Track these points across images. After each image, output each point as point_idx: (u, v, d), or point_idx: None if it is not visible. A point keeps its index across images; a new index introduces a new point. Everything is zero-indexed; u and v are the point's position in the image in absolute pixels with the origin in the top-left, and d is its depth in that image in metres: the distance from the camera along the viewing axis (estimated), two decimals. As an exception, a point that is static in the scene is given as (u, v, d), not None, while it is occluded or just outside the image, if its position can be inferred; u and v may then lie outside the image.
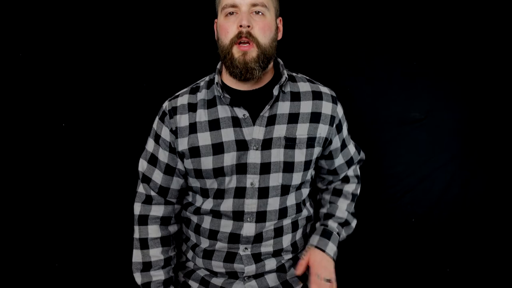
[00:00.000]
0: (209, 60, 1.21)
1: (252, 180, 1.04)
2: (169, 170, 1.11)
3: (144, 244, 1.10)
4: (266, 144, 1.04)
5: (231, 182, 1.05)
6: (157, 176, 1.12)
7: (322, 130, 1.09)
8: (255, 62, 0.99)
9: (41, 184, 1.48)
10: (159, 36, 1.49)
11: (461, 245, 1.56)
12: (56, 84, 1.47)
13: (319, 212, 1.24)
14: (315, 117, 1.08)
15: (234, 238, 1.07)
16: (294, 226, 1.13)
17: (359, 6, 1.50)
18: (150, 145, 1.13)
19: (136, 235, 1.12)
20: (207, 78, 1.14)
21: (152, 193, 1.13)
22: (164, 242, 1.12)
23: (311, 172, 1.14)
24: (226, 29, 1.00)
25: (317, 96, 1.09)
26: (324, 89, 1.12)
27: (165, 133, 1.10)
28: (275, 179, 1.05)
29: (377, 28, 1.51)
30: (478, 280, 1.57)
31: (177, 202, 1.17)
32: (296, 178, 1.07)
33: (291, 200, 1.10)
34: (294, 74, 1.14)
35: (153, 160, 1.12)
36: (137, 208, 1.13)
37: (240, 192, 1.05)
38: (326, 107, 1.09)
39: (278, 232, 1.09)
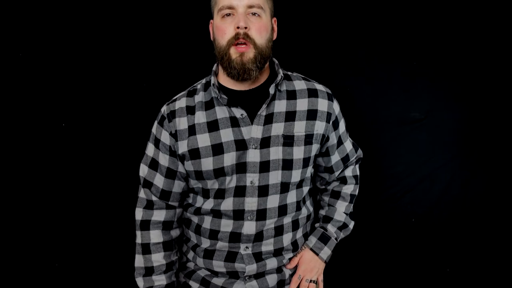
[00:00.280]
0: (209, 60, 1.21)
1: (252, 178, 1.05)
2: (170, 174, 1.12)
3: (146, 249, 1.11)
4: (265, 143, 1.05)
5: (231, 181, 1.05)
6: (159, 180, 1.12)
7: (319, 127, 1.10)
8: (252, 62, 1.00)
9: (41, 184, 1.48)
10: (159, 36, 1.49)
11: (461, 245, 1.56)
12: (56, 84, 1.47)
13: (318, 213, 1.25)
14: (312, 114, 1.09)
15: (235, 237, 1.07)
16: (295, 224, 1.13)
17: (358, 6, 1.50)
18: (150, 149, 1.13)
19: (138, 240, 1.12)
20: (203, 81, 1.15)
21: (154, 198, 1.13)
22: (166, 247, 1.13)
23: (310, 169, 1.14)
24: (223, 30, 1.01)
25: (312, 93, 1.11)
26: (320, 87, 1.13)
27: (165, 137, 1.10)
28: (275, 177, 1.05)
29: (377, 28, 1.51)
30: (478, 280, 1.57)
31: (179, 206, 1.17)
32: (295, 175, 1.08)
33: (291, 197, 1.10)
34: (289, 73, 1.16)
35: (154, 165, 1.12)
36: (139, 214, 1.14)
37: (240, 191, 1.06)
38: (322, 104, 1.10)
39: (279, 230, 1.10)
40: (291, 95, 1.10)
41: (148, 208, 1.13)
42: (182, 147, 1.08)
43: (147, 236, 1.11)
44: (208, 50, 1.27)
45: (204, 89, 1.12)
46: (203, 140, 1.06)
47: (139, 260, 1.11)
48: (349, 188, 1.23)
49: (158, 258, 1.10)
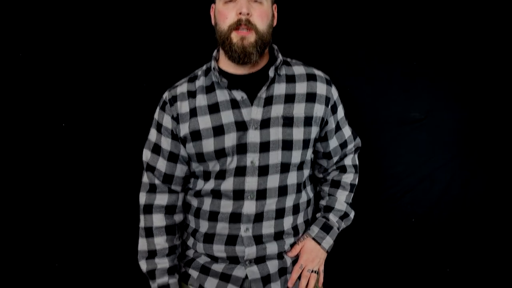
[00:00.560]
0: (209, 60, 1.21)
1: (252, 158, 1.06)
2: (172, 157, 1.14)
3: (149, 232, 1.13)
4: (265, 124, 1.07)
5: (232, 162, 1.07)
6: (161, 164, 1.14)
7: (318, 109, 1.12)
8: (253, 47, 1.03)
9: (41, 184, 1.48)
10: (159, 36, 1.49)
11: (461, 245, 1.56)
12: (56, 84, 1.47)
13: (319, 204, 1.25)
14: (311, 97, 1.11)
15: (235, 217, 1.08)
16: (295, 208, 1.14)
17: (359, 6, 1.50)
18: (153, 134, 1.16)
19: (142, 224, 1.14)
20: (204, 67, 1.18)
21: (156, 182, 1.15)
22: (169, 231, 1.14)
23: (310, 152, 1.15)
24: (225, 15, 1.03)
25: (311, 77, 1.14)
26: (318, 72, 1.17)
27: (167, 121, 1.13)
28: (275, 157, 1.07)
29: (377, 28, 1.51)
30: (478, 280, 1.57)
31: (182, 190, 1.19)
32: (296, 156, 1.09)
33: (291, 179, 1.11)
34: (288, 59, 1.19)
35: (156, 149, 1.15)
36: (142, 198, 1.16)
37: (240, 171, 1.07)
38: (321, 88, 1.13)
39: (279, 213, 1.10)
40: (290, 79, 1.13)
41: (151, 192, 1.15)
42: (184, 129, 1.10)
43: (149, 220, 1.13)
44: (207, 50, 1.28)
45: (205, 74, 1.15)
46: (204, 122, 1.08)
47: (142, 244, 1.13)
48: (349, 177, 1.24)
49: (160, 241, 1.12)
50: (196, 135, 1.09)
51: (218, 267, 1.11)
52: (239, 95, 1.08)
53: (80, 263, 1.52)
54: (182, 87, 1.14)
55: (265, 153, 1.07)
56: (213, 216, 1.10)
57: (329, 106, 1.15)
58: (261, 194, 1.07)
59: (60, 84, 1.47)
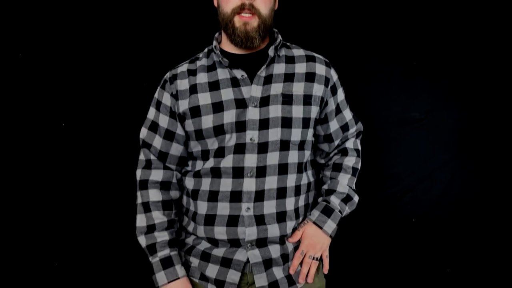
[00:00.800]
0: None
1: (251, 135, 1.07)
2: (168, 135, 1.15)
3: (147, 207, 1.13)
4: (264, 101, 1.08)
5: (231, 139, 1.08)
6: (157, 142, 1.16)
7: (317, 89, 1.13)
8: (256, 31, 1.05)
9: (41, 184, 1.48)
10: (159, 36, 1.49)
11: (461, 245, 1.56)
12: (56, 84, 1.47)
13: (321, 189, 1.24)
14: (310, 77, 1.13)
15: (236, 196, 1.07)
16: (297, 189, 1.12)
17: (359, 6, 1.50)
18: (151, 113, 1.18)
19: (139, 200, 1.15)
20: (205, 50, 1.19)
21: (152, 157, 1.17)
22: (165, 206, 1.15)
23: (311, 132, 1.15)
24: None
25: (310, 59, 1.16)
26: (318, 55, 1.18)
27: (166, 98, 1.15)
28: (274, 134, 1.07)
29: (377, 28, 1.51)
30: (478, 280, 1.57)
31: (177, 169, 1.20)
32: (295, 133, 1.09)
33: (292, 157, 1.11)
34: (288, 43, 1.21)
35: (153, 127, 1.17)
36: (138, 174, 1.17)
37: (240, 148, 1.07)
38: (320, 69, 1.15)
39: (281, 192, 1.09)
40: (290, 59, 1.15)
41: (146, 168, 1.17)
42: (183, 105, 1.11)
43: (146, 195, 1.14)
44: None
45: (207, 55, 1.17)
46: (204, 98, 1.09)
47: (140, 220, 1.13)
48: (351, 160, 1.23)
49: (158, 215, 1.12)
50: (195, 111, 1.10)
51: (219, 252, 1.10)
52: (239, 73, 1.10)
53: (80, 263, 1.52)
54: (182, 67, 1.17)
55: (264, 131, 1.07)
56: (213, 196, 1.10)
57: (329, 87, 1.16)
58: (260, 171, 1.07)
59: (60, 84, 1.47)
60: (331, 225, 1.14)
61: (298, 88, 1.10)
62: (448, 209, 1.56)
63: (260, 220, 1.07)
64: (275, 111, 1.07)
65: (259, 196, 1.07)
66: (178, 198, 1.21)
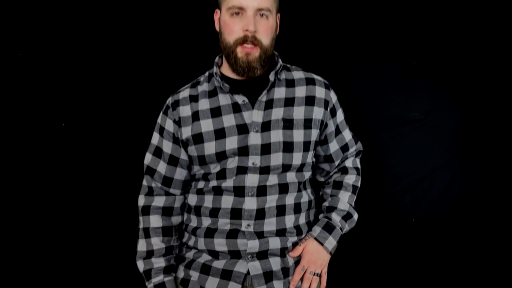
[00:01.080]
0: (209, 59, 1.21)
1: (254, 160, 1.08)
2: (172, 161, 1.17)
3: (147, 233, 1.15)
4: (266, 126, 1.09)
5: (233, 162, 1.09)
6: (162, 167, 1.17)
7: (317, 112, 1.14)
8: (258, 62, 1.07)
9: (41, 184, 1.48)
10: (159, 36, 1.49)
11: (461, 245, 1.56)
12: (56, 84, 1.47)
13: (321, 206, 1.25)
14: (310, 100, 1.14)
15: (236, 213, 1.08)
16: (297, 208, 1.14)
17: (359, 6, 1.50)
18: (155, 138, 1.19)
19: (140, 225, 1.17)
20: (206, 74, 1.20)
21: (153, 184, 1.18)
22: (165, 232, 1.16)
23: (311, 155, 1.16)
24: (231, 28, 1.05)
25: (310, 82, 1.16)
26: (317, 77, 1.19)
27: (169, 125, 1.16)
28: (276, 158, 1.08)
29: (377, 28, 1.51)
30: (478, 280, 1.57)
31: (180, 194, 1.21)
32: (297, 158, 1.11)
33: (291, 177, 1.12)
34: (288, 65, 1.22)
35: (157, 152, 1.18)
36: (141, 200, 1.19)
37: (242, 170, 1.09)
38: (320, 92, 1.15)
39: (281, 210, 1.10)
40: (290, 83, 1.16)
41: (149, 195, 1.18)
42: (186, 132, 1.12)
43: (147, 221, 1.16)
44: (208, 50, 1.28)
45: (208, 80, 1.18)
46: (206, 125, 1.11)
47: (141, 245, 1.15)
48: (351, 179, 1.24)
49: (157, 242, 1.14)
50: (198, 138, 1.11)
51: (219, 264, 1.10)
52: (240, 99, 1.11)
53: (80, 263, 1.52)
54: (184, 93, 1.17)
55: (266, 155, 1.08)
56: (214, 213, 1.11)
57: (328, 109, 1.17)
58: (261, 191, 1.08)
59: (60, 84, 1.47)
60: (331, 242, 1.15)
61: (298, 113, 1.12)
62: (448, 209, 1.56)
63: (260, 235, 1.09)
64: (277, 136, 1.09)
65: (260, 214, 1.08)
66: (180, 223, 1.21)
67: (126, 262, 1.45)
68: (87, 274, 1.53)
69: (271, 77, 1.11)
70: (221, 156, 1.09)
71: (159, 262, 1.13)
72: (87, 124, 1.49)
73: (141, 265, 1.13)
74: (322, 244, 1.13)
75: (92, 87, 1.48)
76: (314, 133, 1.14)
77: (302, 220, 1.16)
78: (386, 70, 1.52)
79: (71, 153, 1.49)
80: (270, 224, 1.09)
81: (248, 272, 1.08)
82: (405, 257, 1.57)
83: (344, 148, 1.24)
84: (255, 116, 1.09)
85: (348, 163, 1.26)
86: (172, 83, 1.33)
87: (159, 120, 1.19)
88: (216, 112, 1.11)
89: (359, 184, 1.26)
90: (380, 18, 1.51)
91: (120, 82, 1.49)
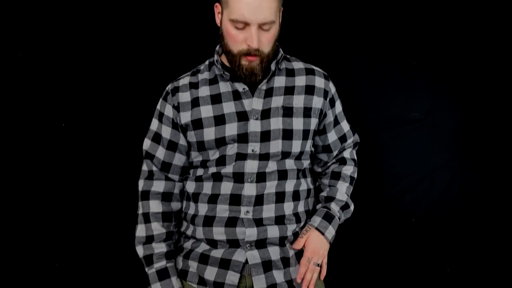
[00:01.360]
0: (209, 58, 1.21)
1: (253, 147, 1.09)
2: (171, 146, 1.17)
3: (147, 218, 1.15)
4: (265, 114, 1.11)
5: (232, 149, 1.10)
6: (160, 152, 1.18)
7: (317, 101, 1.16)
8: (259, 67, 1.08)
9: (41, 184, 1.48)
10: (159, 36, 1.49)
11: (461, 245, 1.56)
12: (56, 84, 1.47)
13: (319, 197, 1.25)
14: (309, 90, 1.15)
15: (235, 199, 1.08)
16: (296, 195, 1.14)
17: (359, 6, 1.50)
18: (154, 124, 1.20)
19: (140, 210, 1.17)
20: (206, 62, 1.21)
21: (154, 168, 1.18)
22: (165, 217, 1.16)
23: (310, 144, 1.17)
24: (233, 38, 1.05)
25: (310, 72, 1.19)
26: (316, 68, 1.21)
27: (168, 110, 1.17)
28: (276, 145, 1.10)
29: (377, 28, 1.51)
30: (478, 280, 1.57)
31: (179, 180, 1.21)
32: (296, 145, 1.12)
33: (290, 164, 1.13)
34: (288, 56, 1.23)
35: (156, 138, 1.19)
36: (140, 184, 1.19)
37: (241, 157, 1.09)
38: (319, 82, 1.17)
39: (280, 197, 1.11)
40: (290, 72, 1.18)
41: (149, 179, 1.18)
42: (185, 117, 1.14)
43: (146, 206, 1.16)
44: (208, 50, 1.27)
45: (208, 69, 1.19)
46: (206, 111, 1.12)
47: (140, 230, 1.15)
48: (349, 169, 1.26)
49: (157, 227, 1.14)
50: (197, 124, 1.12)
51: (217, 253, 1.10)
52: (241, 86, 1.12)
53: (80, 263, 1.52)
54: (184, 80, 1.19)
55: (266, 142, 1.09)
56: (213, 199, 1.11)
57: (327, 99, 1.18)
58: (261, 177, 1.09)
59: (60, 84, 1.47)
60: (331, 232, 1.15)
61: (298, 101, 1.13)
62: (448, 209, 1.56)
63: (259, 222, 1.08)
64: (276, 123, 1.10)
65: (259, 200, 1.08)
66: (179, 210, 1.21)
67: (126, 262, 1.45)
68: (87, 274, 1.53)
69: (272, 66, 1.13)
70: (221, 142, 1.10)
71: (160, 247, 1.13)
72: (87, 124, 1.49)
73: (140, 251, 1.13)
74: (323, 234, 1.13)
75: (92, 87, 1.48)
76: (313, 122, 1.15)
77: (301, 208, 1.16)
78: (386, 70, 1.52)
79: (71, 153, 1.49)
80: (269, 211, 1.09)
81: (246, 261, 1.08)
82: (405, 257, 1.57)
83: (342, 138, 1.26)
84: (255, 103, 1.11)
85: (346, 154, 1.28)
86: (172, 83, 1.32)
87: (158, 107, 1.20)
88: (216, 99, 1.13)
89: (356, 175, 1.28)
90: (380, 18, 1.51)
91: (120, 82, 1.49)
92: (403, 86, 1.53)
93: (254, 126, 1.09)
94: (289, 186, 1.12)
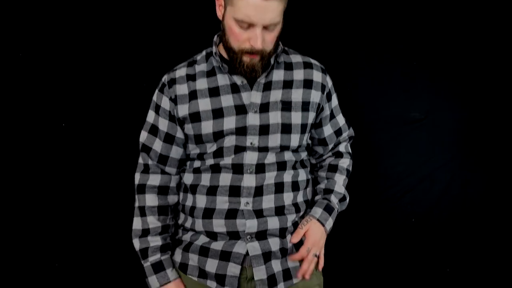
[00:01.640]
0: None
1: (252, 140, 1.09)
2: (168, 139, 1.17)
3: (142, 212, 1.15)
4: (264, 108, 1.10)
5: (230, 141, 1.10)
6: (157, 145, 1.17)
7: (315, 96, 1.15)
8: (260, 64, 1.07)
9: (41, 184, 1.48)
10: (159, 36, 1.49)
11: (461, 245, 1.56)
12: (56, 84, 1.47)
13: (316, 189, 1.25)
14: (308, 84, 1.15)
15: (235, 190, 1.08)
16: (294, 185, 1.14)
17: (359, 6, 1.50)
18: (151, 116, 1.19)
19: (136, 203, 1.17)
20: (203, 53, 1.20)
21: (150, 162, 1.18)
22: (161, 211, 1.16)
23: (307, 137, 1.18)
24: (236, 36, 1.03)
25: (307, 66, 1.18)
26: (314, 61, 1.21)
27: (165, 102, 1.15)
28: (274, 139, 1.10)
29: (377, 28, 1.51)
30: (478, 280, 1.57)
31: (176, 173, 1.20)
32: (294, 139, 1.12)
33: (289, 156, 1.14)
34: (286, 48, 1.23)
35: (153, 130, 1.17)
36: (137, 178, 1.19)
37: (240, 149, 1.09)
38: (317, 76, 1.17)
39: (279, 187, 1.11)
40: (288, 66, 1.17)
41: (145, 172, 1.18)
42: (183, 110, 1.12)
43: (142, 199, 1.16)
44: (206, 41, 1.27)
45: (206, 60, 1.17)
46: (204, 104, 1.11)
47: (136, 223, 1.15)
48: (345, 162, 1.26)
49: (153, 220, 1.14)
50: (195, 117, 1.11)
51: (217, 245, 1.09)
52: (239, 79, 1.11)
53: (80, 263, 1.52)
54: (180, 71, 1.17)
55: (264, 136, 1.09)
56: (212, 190, 1.10)
57: (325, 93, 1.18)
58: (260, 168, 1.09)
59: (60, 84, 1.47)
60: (330, 223, 1.16)
61: (296, 95, 1.13)
62: (448, 209, 1.56)
63: (259, 214, 1.08)
64: (275, 117, 1.10)
65: (259, 191, 1.08)
66: (175, 203, 1.21)
67: (125, 262, 1.45)
68: (87, 274, 1.53)
69: (271, 60, 1.12)
70: (218, 135, 1.09)
71: (155, 241, 1.13)
72: (87, 124, 1.49)
73: (137, 243, 1.14)
74: (323, 225, 1.14)
75: (92, 87, 1.48)
76: (311, 116, 1.15)
77: (300, 198, 1.16)
78: (386, 70, 1.52)
79: (71, 153, 1.49)
80: (268, 201, 1.09)
81: (247, 253, 1.07)
82: (405, 257, 1.57)
83: (338, 132, 1.26)
84: (253, 97, 1.10)
85: (342, 148, 1.28)
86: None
87: (154, 98, 1.18)
88: (214, 92, 1.11)
89: (351, 169, 1.29)
90: (380, 18, 1.51)
91: (120, 82, 1.49)
92: (403, 86, 1.53)
93: (253, 119, 1.09)
94: (288, 176, 1.13)
